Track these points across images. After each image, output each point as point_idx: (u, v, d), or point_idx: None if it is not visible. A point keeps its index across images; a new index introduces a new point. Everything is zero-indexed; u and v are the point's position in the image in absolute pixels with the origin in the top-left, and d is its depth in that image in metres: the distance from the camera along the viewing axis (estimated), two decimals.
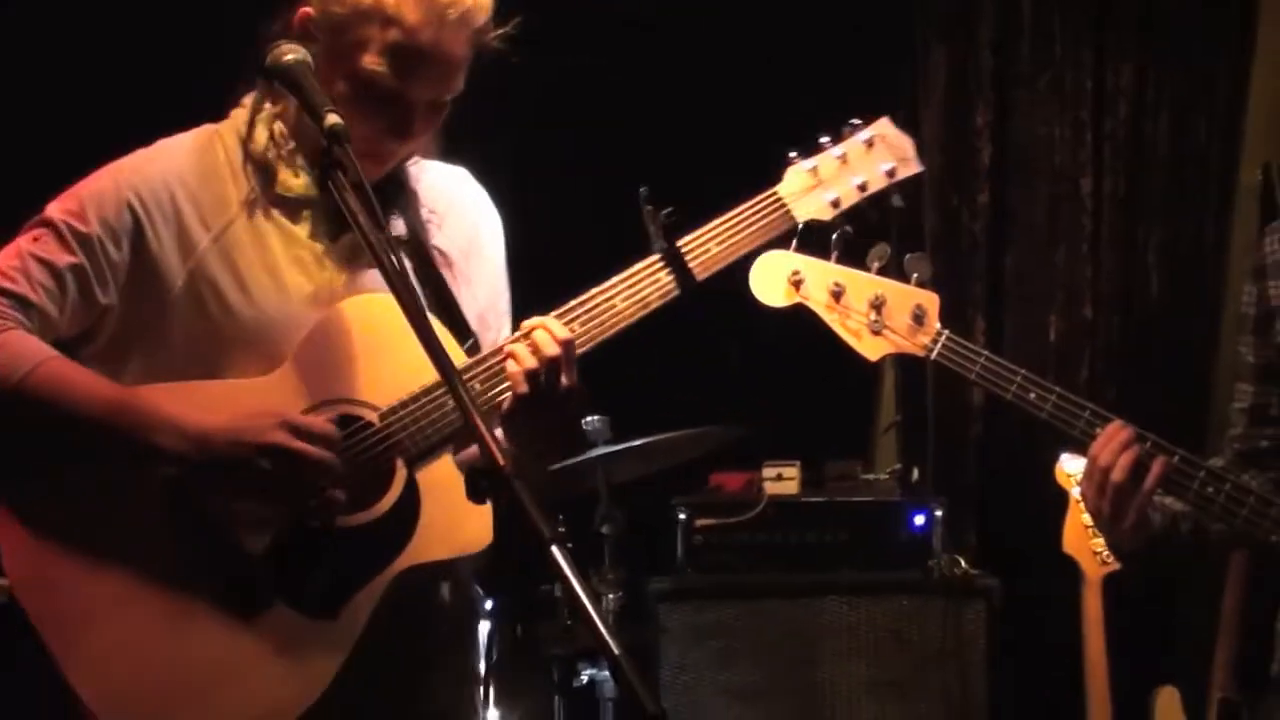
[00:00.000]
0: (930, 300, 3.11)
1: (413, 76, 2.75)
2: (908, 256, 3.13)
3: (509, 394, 2.72)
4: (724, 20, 5.77)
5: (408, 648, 2.83)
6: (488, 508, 2.75)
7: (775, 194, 2.94)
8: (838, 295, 3.09)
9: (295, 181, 2.82)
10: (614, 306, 2.81)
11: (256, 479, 2.64)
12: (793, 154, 2.97)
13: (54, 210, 2.75)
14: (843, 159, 2.98)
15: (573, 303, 2.80)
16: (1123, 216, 6.09)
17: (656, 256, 2.84)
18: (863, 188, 2.99)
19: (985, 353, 3.10)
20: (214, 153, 2.84)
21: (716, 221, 2.89)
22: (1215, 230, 6.02)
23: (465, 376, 2.69)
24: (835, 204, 2.97)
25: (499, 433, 2.73)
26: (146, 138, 2.87)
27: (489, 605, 4.76)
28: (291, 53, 2.69)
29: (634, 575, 4.96)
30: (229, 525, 2.67)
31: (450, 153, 3.01)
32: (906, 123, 5.91)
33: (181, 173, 2.80)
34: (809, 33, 5.82)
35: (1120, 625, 5.10)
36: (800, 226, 2.94)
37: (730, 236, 2.88)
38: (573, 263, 2.87)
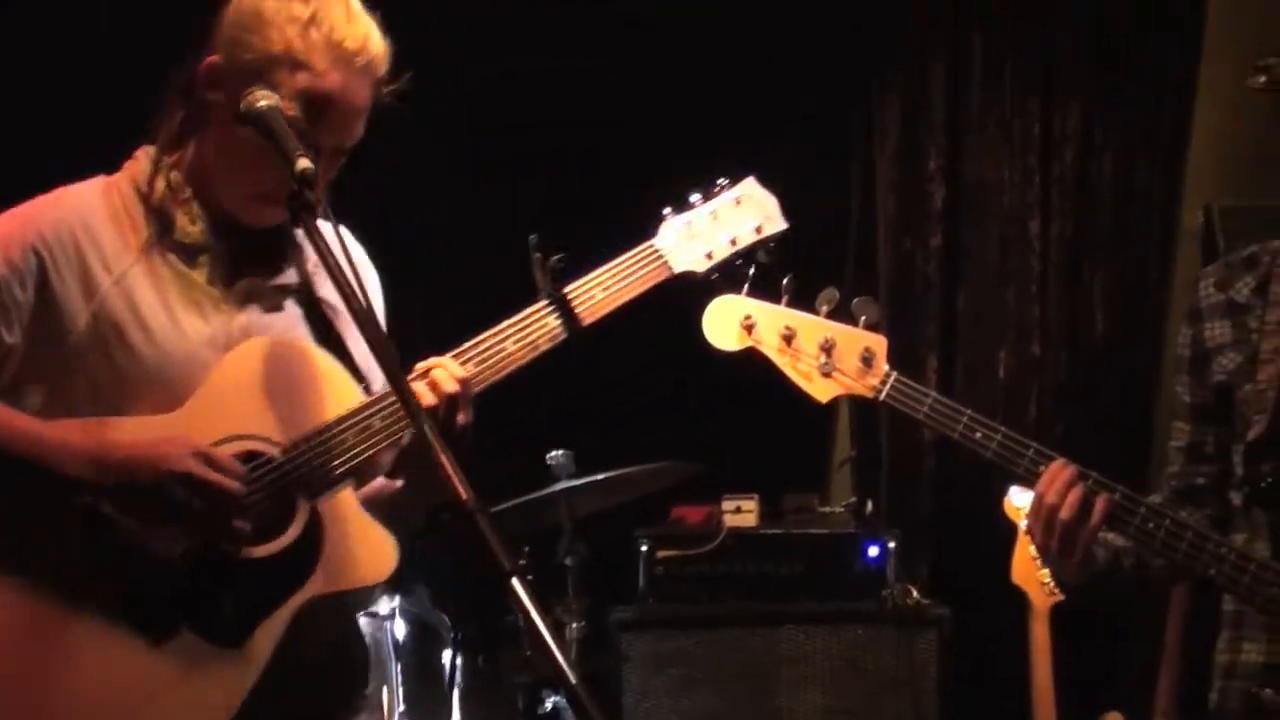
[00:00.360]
0: (878, 343, 3.10)
1: (321, 121, 2.74)
2: (856, 300, 3.12)
3: (407, 431, 2.70)
4: (683, 65, 5.77)
5: (317, 679, 2.80)
6: (390, 540, 2.75)
7: (653, 246, 2.98)
8: (788, 339, 3.08)
9: (192, 229, 2.80)
10: (505, 349, 2.81)
11: (166, 505, 2.61)
12: (666, 210, 3.02)
13: None
14: (714, 215, 3.04)
15: (466, 345, 2.80)
16: (1069, 257, 6.10)
17: (545, 302, 2.85)
18: (733, 242, 3.04)
19: (933, 394, 3.09)
20: (112, 200, 2.82)
21: (599, 270, 2.92)
22: (1158, 270, 6.04)
23: (365, 414, 2.71)
24: (709, 256, 3.02)
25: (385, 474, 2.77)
26: (44, 186, 2.85)
27: (456, 635, 4.75)
28: (265, 99, 2.68)
29: (597, 605, 4.95)
30: (139, 552, 2.64)
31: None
32: (860, 167, 6.03)
33: (84, 218, 2.78)
34: (768, 78, 5.81)
35: (1067, 653, 5.11)
36: (677, 274, 2.98)
37: (613, 284, 2.91)
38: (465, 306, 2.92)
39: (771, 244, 3.07)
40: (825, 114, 6.06)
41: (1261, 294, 3.23)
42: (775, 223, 3.08)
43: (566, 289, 2.87)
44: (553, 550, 4.80)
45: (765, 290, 3.10)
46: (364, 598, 2.90)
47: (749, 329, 3.08)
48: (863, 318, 3.11)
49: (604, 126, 5.70)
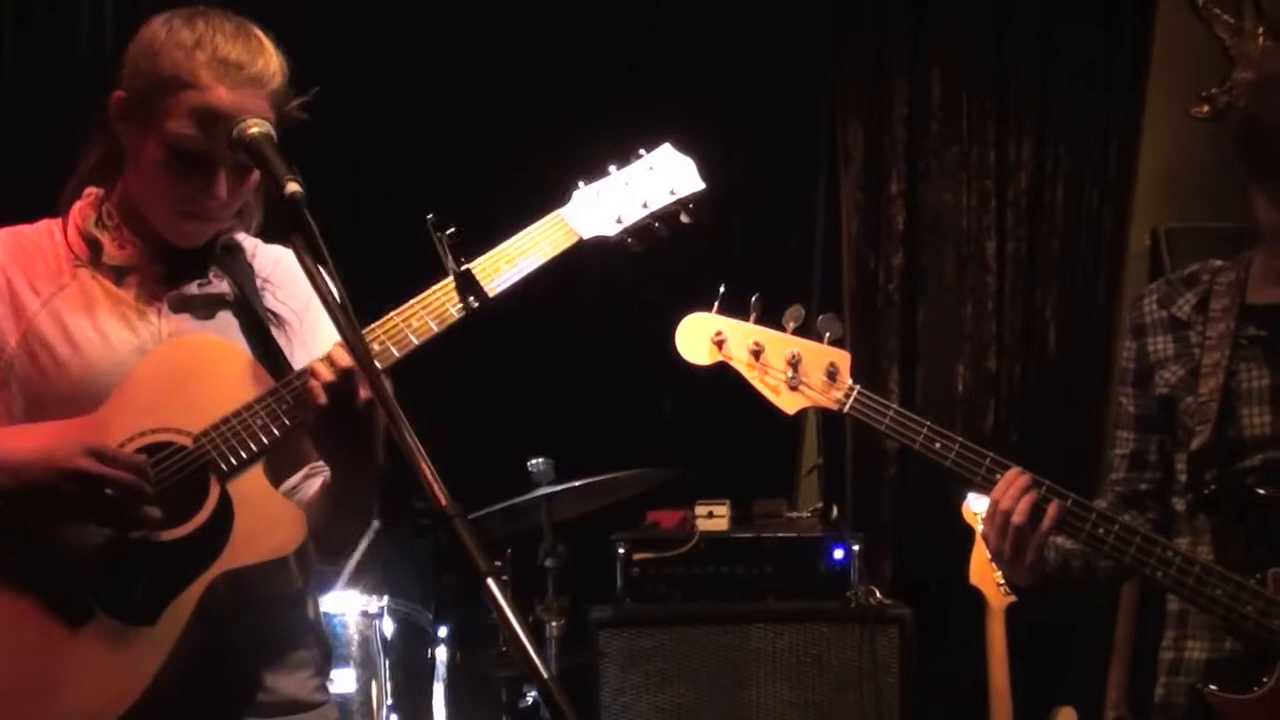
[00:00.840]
0: (842, 358, 3.11)
1: (215, 132, 2.73)
2: (821, 317, 3.13)
3: (310, 413, 2.68)
4: (659, 88, 5.78)
5: (239, 647, 2.78)
6: (297, 514, 2.74)
7: (559, 215, 2.91)
8: (757, 354, 3.09)
9: (119, 252, 2.82)
10: (410, 325, 2.76)
11: (69, 503, 2.61)
12: (579, 182, 2.95)
13: None
14: (626, 182, 2.97)
15: (373, 324, 2.76)
16: (1023, 277, 6.14)
17: (449, 278, 2.79)
18: (645, 205, 2.96)
19: (894, 406, 3.10)
20: (49, 235, 2.86)
21: (505, 244, 2.85)
22: (1107, 289, 6.08)
23: (271, 399, 2.70)
24: (619, 220, 2.94)
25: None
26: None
27: (442, 632, 4.75)
28: (256, 126, 2.69)
29: (576, 604, 4.93)
30: (52, 545, 2.64)
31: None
32: (826, 191, 6.03)
33: (13, 251, 2.82)
34: (737, 104, 5.82)
35: (1022, 651, 5.12)
36: (584, 240, 2.91)
37: (517, 255, 2.84)
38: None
39: (690, 204, 3.00)
40: (793, 140, 6.08)
41: (1202, 310, 3.23)
42: (690, 183, 3.00)
43: (472, 264, 2.80)
44: (534, 552, 4.77)
45: (735, 308, 3.10)
46: (280, 573, 2.85)
47: (720, 344, 3.09)
48: (827, 334, 3.12)
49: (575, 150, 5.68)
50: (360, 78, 5.45)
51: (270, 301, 2.90)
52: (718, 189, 3.25)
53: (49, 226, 2.89)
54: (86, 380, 2.75)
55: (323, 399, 2.64)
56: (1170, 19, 6.14)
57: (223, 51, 2.77)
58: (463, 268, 2.79)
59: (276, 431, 2.70)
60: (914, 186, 6.12)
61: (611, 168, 2.98)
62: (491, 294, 2.81)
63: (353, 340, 2.45)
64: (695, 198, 3.01)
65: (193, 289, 2.87)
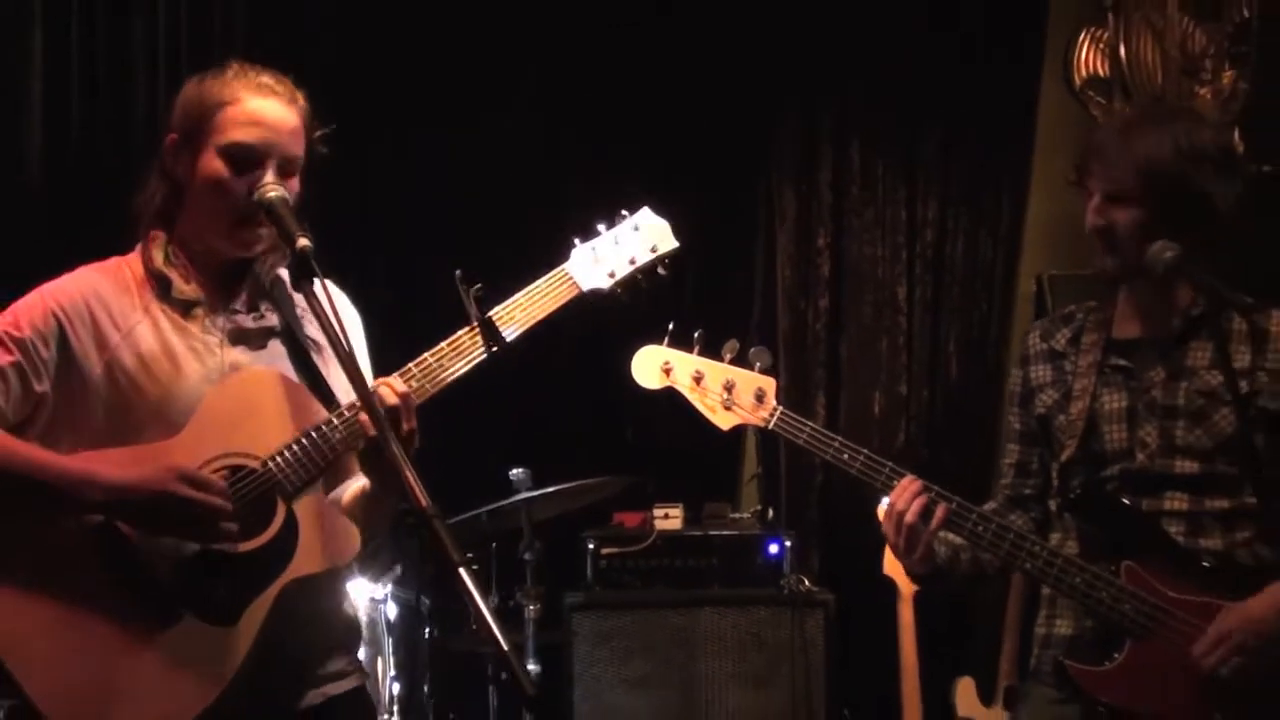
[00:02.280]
0: (769, 383, 3.14)
1: (259, 131, 2.77)
2: (752, 350, 3.16)
3: (360, 440, 2.70)
4: (620, 161, 5.79)
5: (302, 638, 2.80)
6: (353, 529, 2.76)
7: (564, 270, 2.92)
8: (698, 380, 3.13)
9: (186, 288, 2.81)
10: (443, 365, 2.78)
11: (164, 521, 2.62)
12: (576, 239, 2.97)
13: None
14: (615, 240, 2.98)
15: (410, 365, 2.78)
16: (929, 316, 6.16)
17: (473, 324, 2.81)
18: (632, 261, 2.98)
19: (810, 424, 3.13)
20: (122, 273, 2.84)
21: (519, 294, 2.87)
22: (999, 327, 6.11)
23: (327, 429, 2.70)
24: (611, 275, 2.96)
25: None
26: (83, 259, 2.90)
27: (428, 613, 4.74)
28: (273, 190, 2.72)
29: (552, 591, 4.93)
30: (145, 557, 2.65)
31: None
32: (764, 244, 6.03)
33: (96, 289, 2.80)
34: (687, 173, 5.84)
35: (928, 630, 5.14)
36: (585, 292, 2.93)
37: (529, 305, 2.86)
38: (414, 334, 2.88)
39: (667, 260, 3.02)
40: (735, 201, 6.11)
41: (1075, 344, 3.27)
42: (668, 242, 3.02)
43: (491, 312, 2.82)
44: (515, 548, 4.79)
45: (681, 341, 3.14)
46: (338, 577, 2.87)
47: (667, 372, 3.13)
48: (758, 364, 3.15)
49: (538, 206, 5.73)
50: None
51: (310, 330, 2.89)
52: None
53: (119, 264, 2.87)
54: (161, 405, 2.73)
55: (372, 432, 2.62)
56: (1052, 99, 6.18)
57: (253, 75, 2.83)
58: (485, 316, 2.81)
59: (331, 457, 2.71)
60: (838, 241, 6.14)
61: (601, 226, 2.99)
62: (509, 339, 2.83)
63: (351, 373, 2.48)
64: (672, 254, 3.03)
65: (248, 322, 2.86)
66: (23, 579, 2.64)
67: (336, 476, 2.87)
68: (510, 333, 2.83)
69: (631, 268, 2.98)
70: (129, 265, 2.86)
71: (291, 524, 2.69)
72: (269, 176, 2.76)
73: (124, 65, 5.54)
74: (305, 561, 2.69)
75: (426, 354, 2.79)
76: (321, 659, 2.87)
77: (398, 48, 5.77)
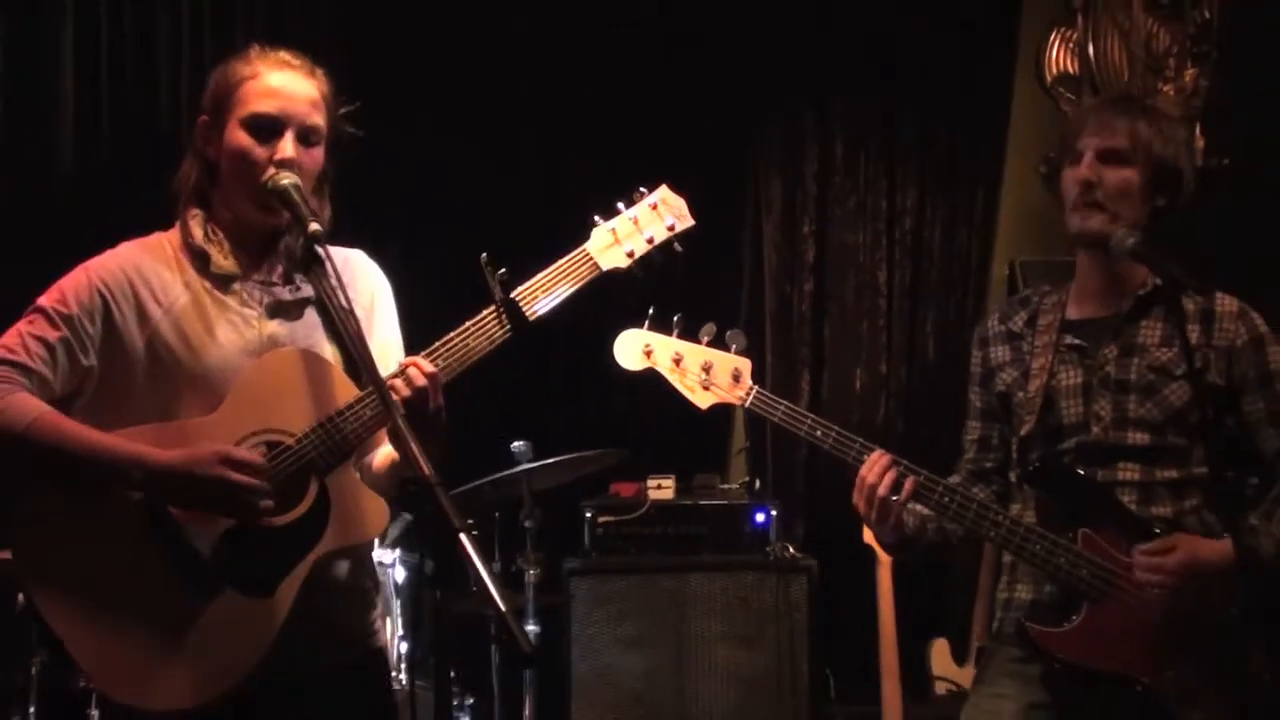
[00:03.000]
0: (744, 364, 3.11)
1: (277, 100, 2.74)
2: (729, 332, 3.12)
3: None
4: (619, 155, 5.75)
5: (337, 611, 2.81)
6: (382, 505, 2.74)
7: (585, 250, 2.86)
8: (678, 361, 3.09)
9: (225, 262, 2.78)
10: (468, 345, 2.74)
11: (206, 499, 2.60)
12: (596, 218, 2.89)
13: (43, 300, 2.73)
14: (635, 220, 2.90)
15: (436, 344, 2.74)
16: (908, 300, 6.15)
17: (496, 305, 2.77)
18: (650, 240, 2.90)
19: (785, 402, 3.11)
20: (163, 249, 2.81)
21: (540, 275, 2.81)
22: (974, 309, 6.08)
23: (359, 406, 2.67)
24: (630, 255, 2.88)
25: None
26: (114, 241, 2.87)
27: (432, 577, 4.73)
28: (287, 178, 2.70)
29: (551, 557, 4.91)
30: (187, 532, 2.62)
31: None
32: (751, 231, 6.01)
33: (138, 265, 2.77)
34: (680, 165, 5.76)
35: (905, 593, 5.13)
36: (604, 272, 2.87)
37: (552, 285, 2.81)
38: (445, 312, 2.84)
39: (684, 237, 2.95)
40: (725, 191, 6.07)
41: (1031, 325, 3.26)
42: (685, 220, 2.95)
43: (514, 293, 2.78)
44: (516, 516, 4.77)
45: (661, 324, 3.10)
46: (367, 550, 2.86)
47: (648, 354, 3.09)
48: (734, 346, 3.12)
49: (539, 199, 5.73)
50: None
51: (342, 298, 2.80)
52: None
53: (160, 239, 2.84)
54: (200, 377, 2.71)
55: (401, 411, 2.60)
56: (1025, 95, 6.17)
57: (274, 54, 2.80)
58: (509, 296, 2.77)
59: (364, 434, 2.68)
60: (822, 228, 6.12)
61: (620, 205, 2.92)
62: (531, 318, 2.79)
63: (357, 354, 2.49)
64: (689, 231, 2.97)
65: (285, 294, 2.81)
66: (72, 553, 2.63)
67: (366, 445, 2.84)
68: (533, 311, 2.78)
69: (649, 246, 2.90)
70: (169, 241, 2.83)
71: (324, 499, 2.67)
72: (288, 145, 2.73)
73: (150, 58, 5.55)
74: (337, 535, 2.68)
75: (452, 334, 2.76)
76: (353, 620, 2.87)
77: (407, 41, 5.77)
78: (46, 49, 5.38)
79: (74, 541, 2.64)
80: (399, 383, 2.64)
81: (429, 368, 2.67)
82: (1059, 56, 6.09)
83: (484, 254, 2.77)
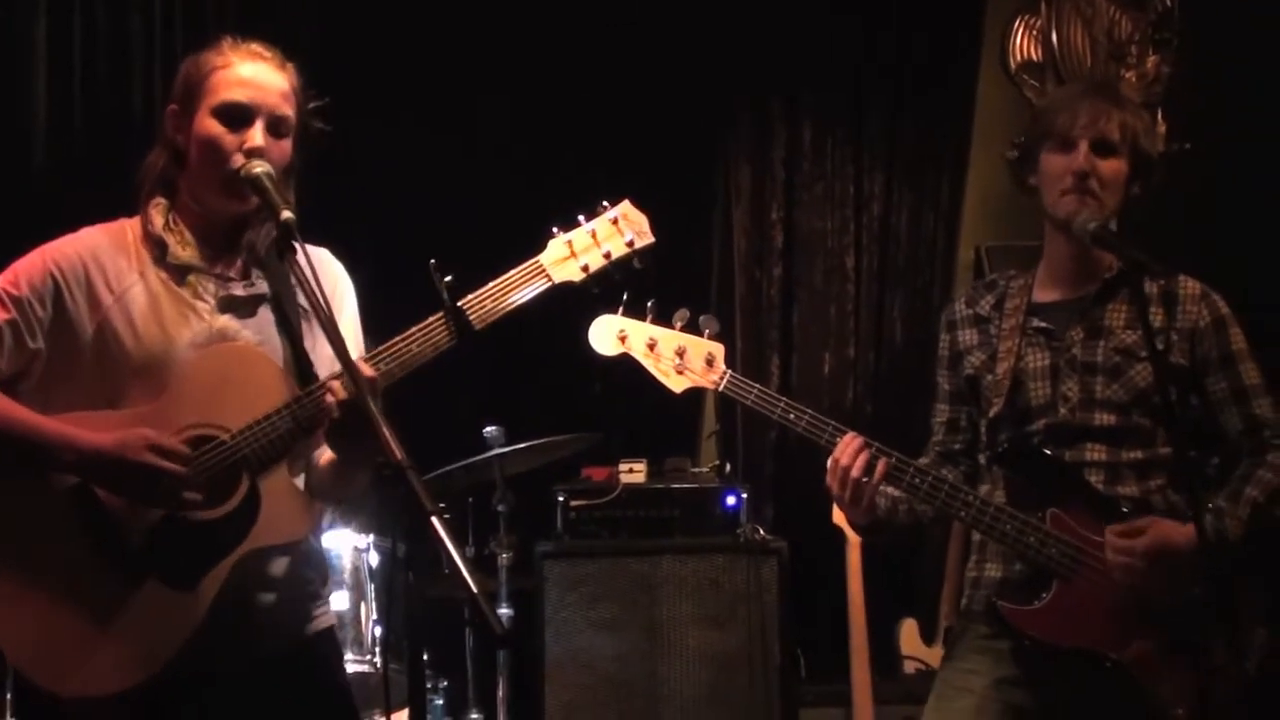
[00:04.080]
0: (718, 349, 3.12)
1: (248, 90, 2.73)
2: (702, 317, 3.13)
3: (326, 420, 2.67)
4: (589, 144, 5.76)
5: (264, 598, 2.80)
6: (310, 506, 2.76)
7: (538, 262, 2.82)
8: (652, 346, 3.10)
9: (183, 253, 2.77)
10: (410, 350, 2.71)
11: (133, 486, 2.60)
12: (555, 229, 2.85)
13: None
14: (593, 234, 2.85)
15: (380, 348, 2.72)
16: (875, 284, 6.14)
17: (443, 312, 2.74)
18: (607, 256, 2.85)
19: (757, 386, 3.12)
20: (124, 235, 2.79)
21: (491, 284, 2.78)
22: (940, 294, 6.08)
23: (296, 407, 2.66)
24: (585, 269, 2.83)
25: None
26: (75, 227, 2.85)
27: (405, 561, 4.71)
28: (260, 167, 2.69)
29: (524, 541, 4.91)
30: (116, 520, 2.63)
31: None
32: (721, 217, 6.02)
33: (95, 251, 2.76)
34: (649, 152, 5.82)
35: (874, 574, 5.15)
36: (556, 285, 2.84)
37: (500, 295, 2.77)
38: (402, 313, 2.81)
39: (641, 255, 2.91)
40: (695, 178, 6.09)
41: (999, 308, 3.29)
42: (645, 238, 2.90)
43: (462, 300, 2.75)
44: (489, 500, 4.78)
45: (635, 310, 3.11)
46: (294, 549, 2.82)
47: (623, 339, 3.09)
48: (707, 330, 3.13)
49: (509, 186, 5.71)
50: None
51: (301, 299, 2.81)
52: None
53: (122, 226, 2.82)
54: (149, 367, 2.70)
55: (336, 413, 2.62)
56: (990, 83, 6.19)
57: (245, 45, 2.79)
58: (456, 304, 2.74)
59: (297, 436, 2.67)
60: (790, 214, 6.11)
61: (580, 218, 2.87)
62: (478, 327, 2.76)
63: (333, 339, 2.46)
64: (648, 248, 2.91)
65: (239, 289, 2.80)
66: None
67: (304, 453, 2.83)
68: (481, 320, 2.76)
69: (605, 262, 2.86)
70: (131, 228, 2.81)
71: (254, 498, 2.66)
72: (257, 134, 2.72)
73: (123, 54, 5.50)
74: (264, 534, 2.67)
75: (396, 338, 2.74)
76: (291, 611, 2.85)
77: (382, 38, 5.73)
78: (20, 44, 5.34)
79: (1, 526, 2.64)
80: (337, 385, 2.64)
81: (368, 371, 2.63)
82: (1023, 44, 6.12)
83: (433, 260, 2.74)
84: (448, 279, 2.73)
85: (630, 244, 2.87)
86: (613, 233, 2.87)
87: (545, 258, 2.83)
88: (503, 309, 2.78)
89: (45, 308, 2.70)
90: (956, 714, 3.15)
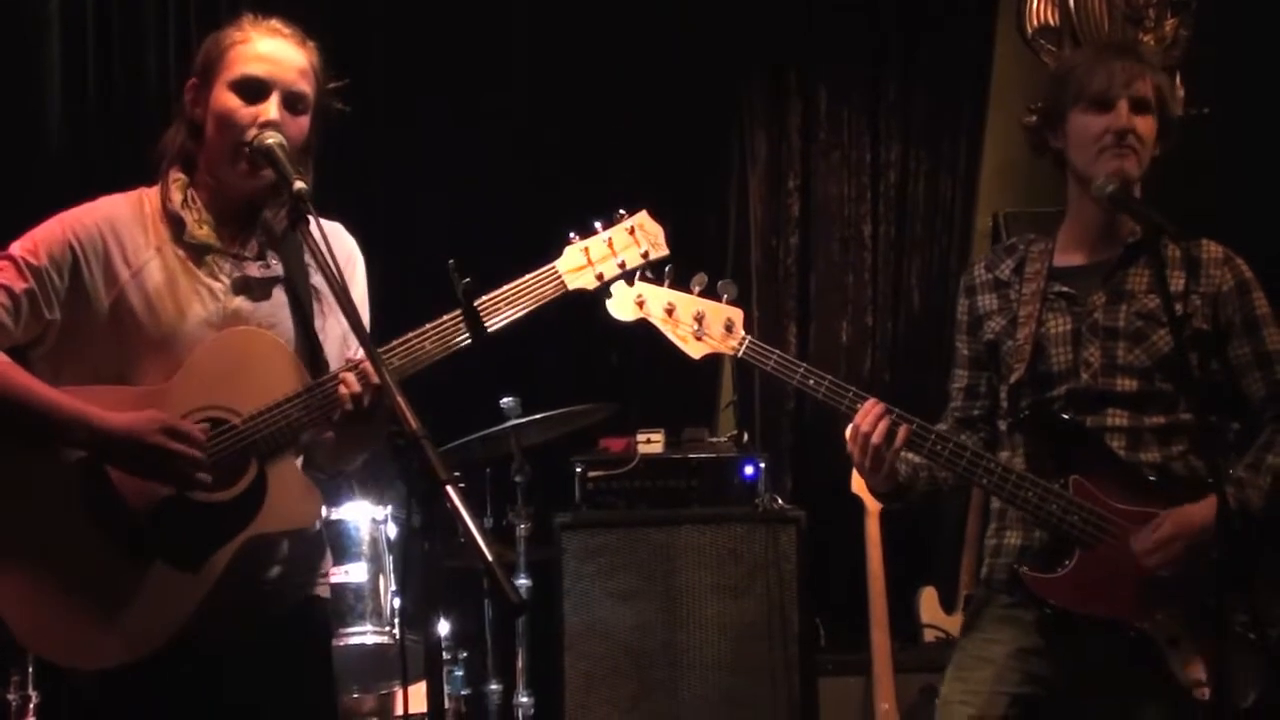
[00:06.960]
0: (737, 314, 3.08)
1: (265, 64, 2.72)
2: (720, 282, 3.10)
3: (336, 410, 2.67)
4: (608, 116, 5.72)
5: (263, 582, 2.80)
6: (317, 494, 2.74)
7: (554, 268, 2.83)
8: (670, 311, 3.06)
9: (200, 232, 2.75)
10: (424, 347, 2.71)
11: (144, 466, 2.60)
12: (572, 235, 2.86)
13: (14, 248, 2.71)
14: (609, 242, 2.87)
15: (395, 342, 2.71)
16: (893, 252, 6.13)
17: (458, 311, 2.73)
18: (621, 265, 2.88)
19: (777, 352, 3.08)
20: (141, 207, 2.78)
21: (506, 286, 2.79)
22: (958, 261, 6.05)
23: (308, 395, 2.66)
24: (599, 278, 2.86)
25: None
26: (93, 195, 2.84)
27: (421, 531, 4.69)
28: (271, 137, 2.67)
29: (542, 511, 4.89)
30: (123, 497, 2.63)
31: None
32: (737, 185, 5.99)
33: (112, 222, 2.74)
34: (667, 122, 5.81)
35: (893, 543, 5.14)
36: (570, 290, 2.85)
37: (516, 299, 2.78)
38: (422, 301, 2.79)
39: (655, 266, 2.95)
40: (712, 147, 6.05)
41: (1019, 273, 3.25)
42: (660, 250, 2.91)
43: (478, 301, 2.74)
44: (507, 471, 4.75)
45: (653, 275, 3.05)
46: (298, 535, 2.82)
47: (640, 305, 3.05)
48: (725, 295, 3.09)
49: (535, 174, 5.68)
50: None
51: (315, 279, 2.82)
52: (652, 190, 3.11)
53: (140, 196, 2.81)
54: (162, 344, 2.69)
55: (349, 406, 2.62)
56: (1007, 48, 6.14)
57: (267, 22, 2.78)
58: (471, 305, 2.73)
59: (307, 424, 2.67)
60: (807, 182, 6.09)
61: (598, 224, 2.89)
62: (491, 329, 2.76)
63: (346, 309, 2.42)
64: (662, 260, 2.94)
65: (254, 270, 2.79)
66: (4, 512, 2.63)
67: (317, 433, 2.81)
68: (494, 323, 2.76)
69: (620, 271, 2.88)
70: (149, 198, 2.80)
71: (261, 483, 2.66)
72: (272, 108, 2.71)
73: (137, 30, 5.49)
74: (267, 520, 2.67)
75: (410, 334, 2.73)
76: (292, 582, 2.85)
77: (398, 24, 5.73)
78: (34, 21, 5.34)
79: (8, 501, 2.63)
80: (350, 378, 2.65)
81: (374, 380, 2.63)
82: (1040, 8, 6.04)
83: (451, 260, 2.70)
84: (465, 280, 2.71)
85: (645, 255, 2.91)
86: (629, 243, 2.89)
87: (561, 264, 2.85)
88: (516, 314, 2.79)
89: (63, 279, 2.69)
90: (977, 683, 3.12)
